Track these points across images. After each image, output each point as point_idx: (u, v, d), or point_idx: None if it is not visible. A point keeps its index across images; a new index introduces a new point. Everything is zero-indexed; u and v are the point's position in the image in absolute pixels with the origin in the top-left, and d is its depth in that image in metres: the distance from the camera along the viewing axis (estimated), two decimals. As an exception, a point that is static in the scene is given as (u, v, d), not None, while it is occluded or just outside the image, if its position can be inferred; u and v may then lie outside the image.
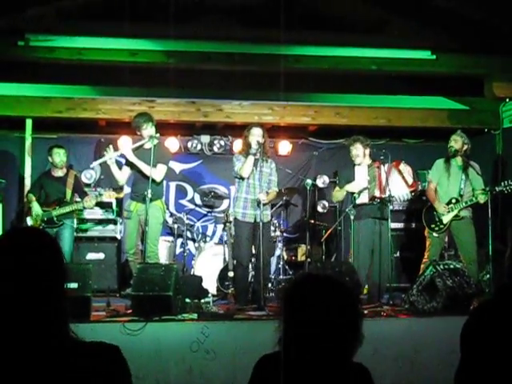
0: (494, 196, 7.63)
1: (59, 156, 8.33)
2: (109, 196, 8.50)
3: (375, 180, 7.67)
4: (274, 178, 7.78)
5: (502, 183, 7.61)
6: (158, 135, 7.63)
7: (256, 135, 7.52)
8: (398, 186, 7.76)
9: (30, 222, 8.27)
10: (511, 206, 8.92)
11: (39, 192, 8.40)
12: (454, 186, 7.88)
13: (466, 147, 7.92)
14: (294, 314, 2.38)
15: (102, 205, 9.31)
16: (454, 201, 7.79)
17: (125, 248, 7.88)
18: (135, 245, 7.82)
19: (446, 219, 7.79)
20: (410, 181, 7.78)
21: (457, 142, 7.92)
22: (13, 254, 1.90)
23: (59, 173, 8.43)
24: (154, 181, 7.38)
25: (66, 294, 1.96)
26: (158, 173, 7.52)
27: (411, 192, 7.87)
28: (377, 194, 7.65)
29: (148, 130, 7.57)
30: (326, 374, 2.33)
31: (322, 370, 2.33)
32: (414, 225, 9.41)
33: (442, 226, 7.83)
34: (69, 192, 8.35)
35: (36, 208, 8.20)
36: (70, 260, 8.35)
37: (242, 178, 7.56)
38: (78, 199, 8.31)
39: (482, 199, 7.59)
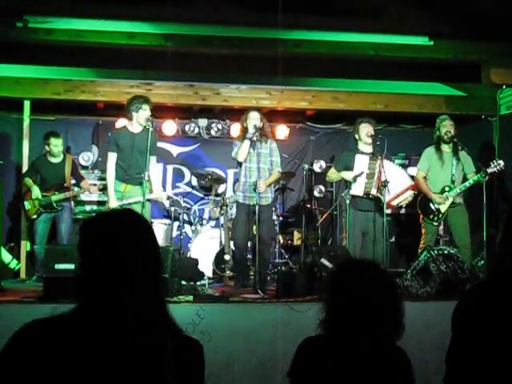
0: (489, 180, 7.67)
1: (57, 147, 8.44)
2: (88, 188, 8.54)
3: (374, 177, 7.56)
4: (275, 159, 7.78)
5: (492, 163, 7.63)
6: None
7: (253, 119, 7.58)
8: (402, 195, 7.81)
9: (27, 205, 8.32)
10: (505, 191, 8.99)
11: (35, 176, 8.44)
12: (445, 173, 7.88)
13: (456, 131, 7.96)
14: (338, 298, 2.44)
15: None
16: (447, 189, 7.81)
17: None
18: None
19: (443, 208, 7.81)
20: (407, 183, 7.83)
21: (452, 126, 7.91)
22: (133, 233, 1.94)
23: (56, 158, 8.48)
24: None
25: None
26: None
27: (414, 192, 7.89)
28: (373, 191, 7.57)
29: (147, 111, 7.49)
30: (367, 356, 2.38)
31: (363, 351, 2.38)
32: (410, 210, 9.43)
33: (440, 216, 7.86)
34: (67, 177, 8.41)
35: (36, 191, 8.25)
36: (69, 242, 8.44)
37: (239, 163, 7.63)
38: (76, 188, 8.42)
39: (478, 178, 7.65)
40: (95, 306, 1.83)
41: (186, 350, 1.95)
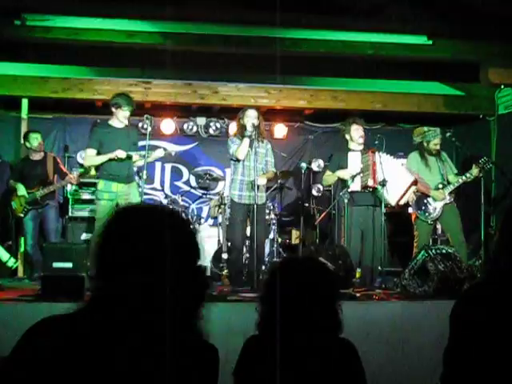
0: (484, 180, 7.75)
1: (37, 140, 8.50)
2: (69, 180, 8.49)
3: (369, 169, 7.64)
4: (270, 159, 7.82)
5: (480, 161, 7.72)
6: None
7: (251, 117, 7.51)
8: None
9: (14, 205, 8.38)
10: (502, 191, 9.00)
11: (19, 176, 8.49)
12: (435, 175, 8.01)
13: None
14: (270, 295, 2.45)
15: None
16: (441, 186, 7.90)
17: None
18: None
19: (439, 205, 7.86)
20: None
21: (440, 140, 8.05)
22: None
23: (37, 156, 8.54)
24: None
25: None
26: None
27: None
28: (370, 183, 7.63)
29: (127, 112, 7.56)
30: (307, 351, 2.38)
31: (303, 347, 2.39)
32: (408, 209, 9.43)
33: (435, 213, 7.90)
34: (50, 173, 8.46)
35: (21, 189, 8.30)
36: (59, 239, 8.50)
37: (237, 161, 7.56)
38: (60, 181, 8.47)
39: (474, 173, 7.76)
40: (108, 305, 1.76)
41: (201, 352, 1.94)
